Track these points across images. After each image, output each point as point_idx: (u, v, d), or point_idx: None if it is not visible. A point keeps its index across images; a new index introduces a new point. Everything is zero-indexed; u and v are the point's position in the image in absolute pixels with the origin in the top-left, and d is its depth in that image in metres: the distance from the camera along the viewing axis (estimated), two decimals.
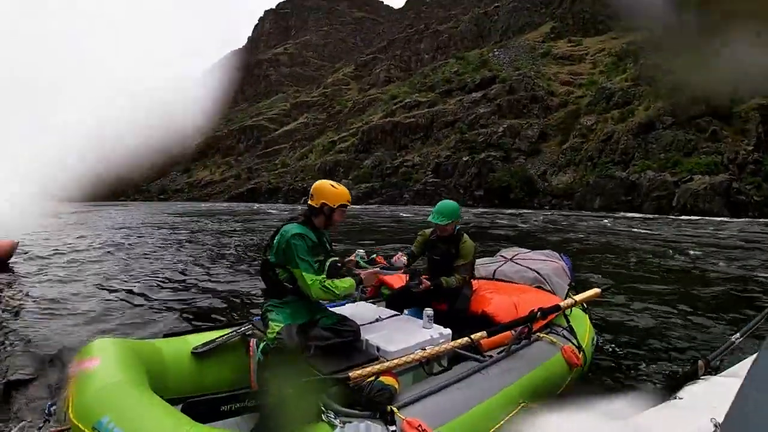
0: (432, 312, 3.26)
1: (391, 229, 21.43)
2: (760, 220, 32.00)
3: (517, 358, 3.01)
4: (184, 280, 8.56)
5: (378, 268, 3.51)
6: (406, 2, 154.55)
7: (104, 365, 2.22)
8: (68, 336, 5.01)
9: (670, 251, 13.43)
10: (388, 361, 2.64)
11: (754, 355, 0.73)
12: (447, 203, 4.05)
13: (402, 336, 3.01)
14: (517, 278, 4.60)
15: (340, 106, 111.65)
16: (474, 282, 4.24)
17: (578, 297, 3.78)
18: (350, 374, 2.37)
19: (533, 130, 61.71)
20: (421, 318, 3.31)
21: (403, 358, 2.62)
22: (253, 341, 3.01)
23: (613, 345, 4.84)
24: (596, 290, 3.97)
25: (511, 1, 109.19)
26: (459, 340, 2.94)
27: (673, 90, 42.79)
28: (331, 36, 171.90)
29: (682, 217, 34.57)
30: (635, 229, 22.00)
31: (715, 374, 2.79)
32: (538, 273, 4.54)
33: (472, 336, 2.99)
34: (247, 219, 30.96)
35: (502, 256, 5.23)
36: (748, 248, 15.02)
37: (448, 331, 3.17)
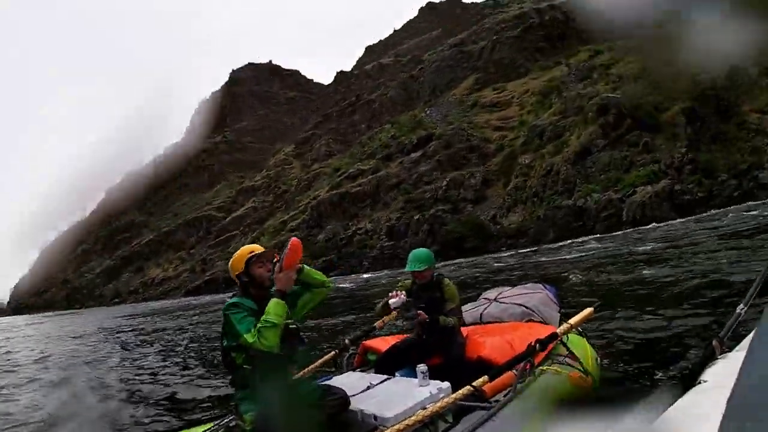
0: (426, 368, 3.06)
1: (363, 296, 20.79)
2: (707, 213, 33.33)
3: (526, 397, 2.82)
4: (156, 380, 8.29)
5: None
6: (334, 78, 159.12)
7: None
8: None
9: (637, 261, 13.59)
10: (388, 428, 2.49)
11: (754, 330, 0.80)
12: (420, 250, 4.07)
13: (399, 399, 2.84)
14: (506, 317, 4.47)
15: (286, 185, 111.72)
16: (462, 329, 4.06)
17: (573, 320, 3.58)
18: None
19: (476, 178, 62.82)
20: (415, 377, 3.13)
21: (405, 422, 2.42)
22: None
23: (617, 358, 4.74)
24: (589, 310, 3.74)
25: (434, 62, 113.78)
26: (460, 391, 2.72)
27: (599, 113, 44.49)
28: (267, 119, 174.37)
29: (636, 228, 35.63)
30: (597, 250, 22.83)
31: (731, 350, 2.55)
32: (525, 306, 4.42)
33: (474, 384, 2.78)
34: (205, 311, 30.13)
35: (485, 298, 5.09)
36: (700, 243, 15.67)
37: (447, 384, 3.00)
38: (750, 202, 32.74)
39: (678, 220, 33.85)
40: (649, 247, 16.82)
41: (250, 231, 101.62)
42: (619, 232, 36.64)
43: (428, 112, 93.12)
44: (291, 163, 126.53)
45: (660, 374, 4.02)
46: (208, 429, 3.00)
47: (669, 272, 9.79)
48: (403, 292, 4.04)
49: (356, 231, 69.27)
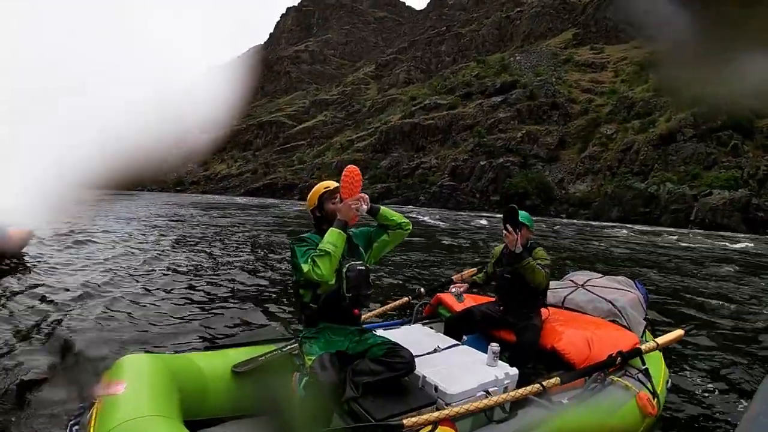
0: (498, 348, 2.88)
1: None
2: None
3: (589, 407, 2.73)
4: (217, 282, 7.78)
5: (376, 206, 2.95)
6: (429, 3, 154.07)
7: (131, 392, 2.08)
8: (87, 334, 4.67)
9: (731, 277, 12.13)
10: (447, 406, 2.42)
11: None
12: (520, 212, 3.68)
13: (464, 374, 2.69)
14: (590, 309, 4.16)
15: (359, 105, 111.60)
16: (543, 310, 3.83)
17: (661, 340, 3.43)
18: (404, 421, 2.15)
19: (552, 137, 61.26)
20: (483, 347, 3.00)
21: (465, 406, 2.36)
22: (295, 375, 2.73)
23: (687, 384, 4.34)
24: (679, 332, 3.58)
25: (534, 6, 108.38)
26: (528, 388, 2.63)
27: (695, 102, 42.22)
28: (352, 35, 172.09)
29: (718, 233, 33.51)
30: (674, 248, 20.60)
31: None
32: (613, 304, 4.08)
33: (544, 383, 2.68)
34: (279, 214, 29.64)
35: (571, 281, 4.74)
36: None
37: (515, 371, 2.81)
38: None
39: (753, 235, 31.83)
40: (736, 265, 14.68)
41: (317, 144, 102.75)
42: (684, 230, 35.08)
43: (518, 57, 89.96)
44: (368, 83, 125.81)
45: (729, 419, 3.69)
46: (268, 352, 2.96)
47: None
48: (466, 285, 4.04)
49: (420, 164, 69.28)
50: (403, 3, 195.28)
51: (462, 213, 46.67)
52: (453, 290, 3.96)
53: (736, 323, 6.83)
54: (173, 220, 21.35)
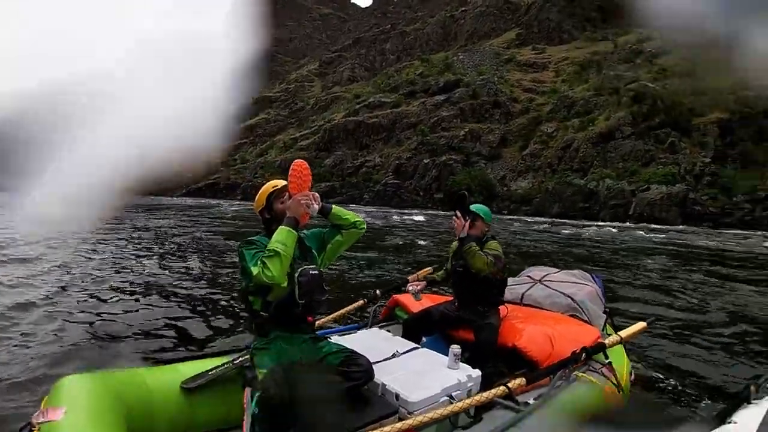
0: (459, 350, 2.82)
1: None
2: (714, 231, 32.54)
3: (556, 405, 2.59)
4: (161, 291, 7.31)
5: (328, 205, 2.81)
6: (374, 1, 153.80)
7: (71, 417, 1.96)
8: (20, 358, 4.29)
9: (683, 264, 12.96)
10: (409, 414, 2.35)
11: None
12: (477, 204, 3.82)
13: (425, 379, 2.60)
14: (548, 304, 4.10)
15: (303, 103, 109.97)
16: (502, 307, 3.75)
17: (624, 334, 3.31)
18: None
19: (494, 135, 62.14)
20: (442, 348, 2.98)
21: (428, 414, 2.25)
22: (247, 391, 2.48)
23: (648, 374, 4.50)
24: (642, 324, 3.46)
25: (479, 6, 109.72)
26: (492, 391, 2.52)
27: (634, 99, 43.61)
28: (296, 31, 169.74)
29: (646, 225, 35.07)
30: (623, 237, 21.61)
31: (766, 396, 2.62)
32: (572, 299, 4.04)
33: (509, 385, 2.60)
34: (218, 215, 29.00)
35: (529, 276, 4.69)
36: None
37: (478, 373, 2.76)
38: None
39: (692, 228, 33.33)
40: (682, 257, 15.61)
41: (259, 142, 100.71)
42: (625, 224, 36.17)
43: (461, 56, 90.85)
44: (312, 81, 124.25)
45: (689, 405, 3.86)
46: (219, 366, 2.80)
47: (717, 293, 9.14)
48: (424, 282, 3.97)
49: (364, 162, 68.80)
50: (349, 0, 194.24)
51: (406, 210, 47.03)
52: (410, 288, 3.86)
53: (688, 314, 7.13)
54: (108, 224, 19.49)
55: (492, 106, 67.38)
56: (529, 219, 37.65)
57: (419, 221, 31.37)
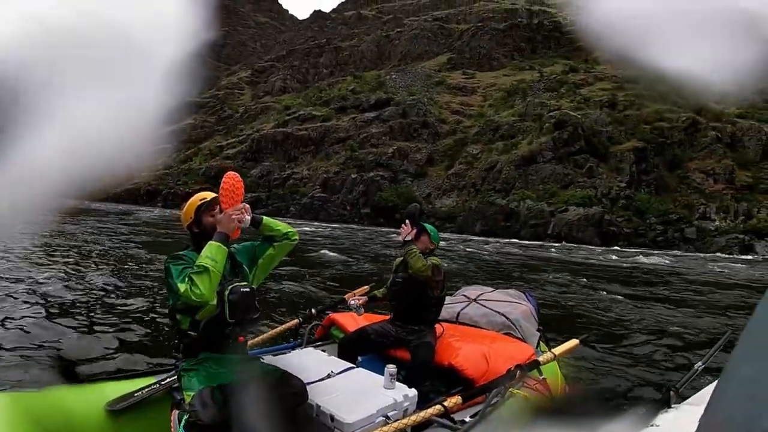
0: (395, 369, 2.79)
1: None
2: (628, 250, 35.11)
3: (492, 422, 2.60)
4: (81, 303, 6.82)
5: (258, 216, 2.70)
6: (311, 14, 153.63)
7: None
8: None
9: (600, 284, 13.41)
10: None
11: (714, 383, 0.87)
12: (427, 224, 3.93)
13: (360, 400, 2.56)
14: (484, 323, 4.17)
15: (232, 110, 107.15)
16: (438, 326, 3.79)
17: (557, 351, 3.47)
18: None
19: (421, 154, 63.16)
20: (379, 368, 2.94)
21: None
22: (174, 413, 2.29)
23: (582, 387, 4.64)
24: (574, 342, 3.64)
25: (414, 29, 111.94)
26: (429, 410, 2.53)
27: (555, 126, 46.03)
28: (230, 37, 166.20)
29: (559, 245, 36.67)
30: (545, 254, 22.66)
31: (685, 401, 2.79)
32: (506, 317, 4.14)
33: (445, 404, 2.60)
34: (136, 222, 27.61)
35: (464, 295, 4.75)
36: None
37: (414, 392, 2.73)
38: (676, 251, 35.07)
39: (608, 248, 35.61)
40: (608, 272, 16.83)
41: (183, 148, 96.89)
42: (546, 243, 37.84)
43: (393, 76, 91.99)
44: (243, 89, 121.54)
45: (615, 409, 3.80)
46: (146, 387, 2.64)
47: (636, 307, 9.83)
48: (365, 297, 4.02)
49: (292, 174, 67.72)
50: (287, 11, 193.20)
51: (334, 225, 46.91)
52: (352, 303, 3.89)
53: (616, 330, 7.39)
54: (19, 232, 17.35)
55: (421, 125, 68.48)
56: (453, 237, 38.29)
57: (346, 236, 31.02)
